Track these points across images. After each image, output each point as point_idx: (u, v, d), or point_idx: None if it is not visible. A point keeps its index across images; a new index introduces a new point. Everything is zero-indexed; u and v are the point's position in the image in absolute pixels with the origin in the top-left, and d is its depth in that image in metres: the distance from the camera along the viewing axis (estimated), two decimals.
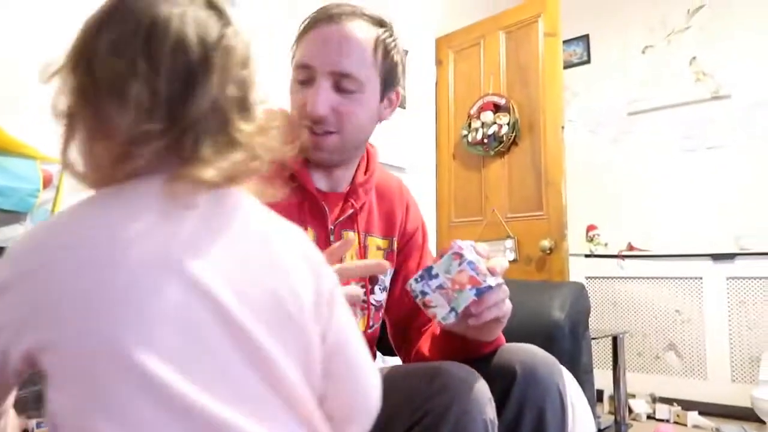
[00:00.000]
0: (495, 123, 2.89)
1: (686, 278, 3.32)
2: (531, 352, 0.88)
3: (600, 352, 3.48)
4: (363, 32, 0.90)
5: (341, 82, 0.90)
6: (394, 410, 0.66)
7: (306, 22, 0.92)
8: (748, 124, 3.30)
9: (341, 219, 0.97)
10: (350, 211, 0.97)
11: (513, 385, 0.84)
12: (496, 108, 2.92)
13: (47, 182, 1.45)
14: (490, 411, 0.69)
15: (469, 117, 3.01)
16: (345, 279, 0.74)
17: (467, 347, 0.88)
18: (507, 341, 0.95)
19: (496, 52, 3.01)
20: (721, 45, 3.41)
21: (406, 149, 2.89)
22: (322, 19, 0.90)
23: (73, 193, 1.61)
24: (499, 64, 2.99)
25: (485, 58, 3.06)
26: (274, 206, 0.90)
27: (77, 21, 0.54)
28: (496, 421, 0.70)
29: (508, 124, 2.84)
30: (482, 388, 0.70)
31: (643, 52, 3.71)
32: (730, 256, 3.18)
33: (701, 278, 3.27)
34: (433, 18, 3.24)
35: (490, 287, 0.72)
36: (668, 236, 3.49)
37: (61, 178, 1.49)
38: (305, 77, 0.90)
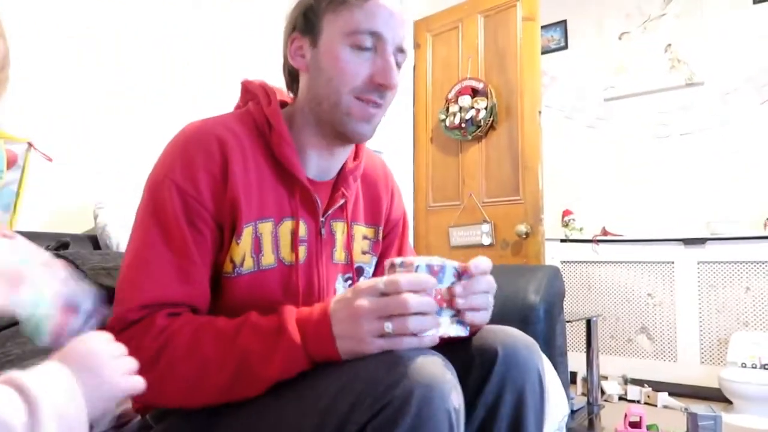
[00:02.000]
0: (473, 107, 2.88)
1: (658, 262, 3.38)
2: (512, 334, 0.87)
3: (574, 335, 3.53)
4: (406, 9, 0.90)
5: (397, 57, 0.88)
6: (355, 399, 0.64)
7: None
8: (720, 111, 3.35)
9: (332, 209, 0.92)
10: (341, 201, 0.93)
11: (494, 366, 0.83)
12: (474, 92, 2.91)
13: (11, 162, 1.40)
14: (455, 399, 0.65)
15: (447, 101, 3.00)
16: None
17: None
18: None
19: (475, 36, 2.99)
20: (695, 32, 3.45)
21: (383, 132, 2.86)
22: None
23: (38, 172, 1.58)
24: (477, 48, 2.98)
25: (463, 42, 3.04)
26: (265, 196, 0.86)
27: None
28: (462, 409, 0.68)
29: (485, 108, 2.84)
30: (447, 375, 0.66)
31: (620, 38, 3.73)
32: (701, 241, 3.24)
33: (673, 262, 3.33)
34: (412, 0, 3.21)
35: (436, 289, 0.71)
36: (641, 221, 3.54)
37: (26, 158, 1.44)
38: (369, 46, 0.85)
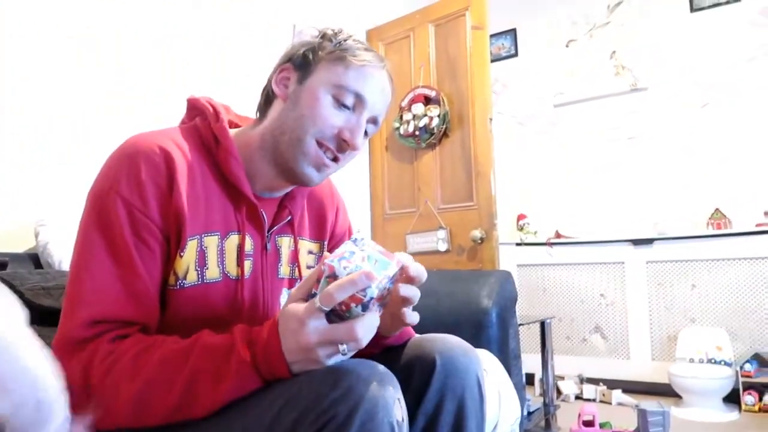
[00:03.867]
0: (426, 115, 2.92)
1: (610, 263, 3.48)
2: (449, 341, 0.89)
3: (531, 337, 3.59)
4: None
5: (368, 128, 0.91)
6: (299, 415, 0.65)
7: (355, 48, 0.89)
8: (664, 115, 3.48)
9: (279, 225, 0.94)
10: (288, 217, 0.95)
11: (432, 375, 0.84)
12: (427, 100, 2.94)
13: None
14: (398, 412, 0.67)
15: (401, 109, 3.03)
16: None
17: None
18: (438, 330, 0.96)
19: (426, 45, 3.03)
20: (638, 40, 3.58)
21: None
22: (378, 63, 0.90)
23: None
24: (429, 56, 3.02)
25: (415, 51, 3.08)
26: (211, 210, 0.86)
27: None
28: (406, 422, 0.69)
29: (438, 116, 2.88)
30: (389, 388, 0.67)
31: (567, 46, 3.84)
32: (648, 241, 3.35)
33: (623, 263, 3.44)
34: (364, 10, 3.23)
35: (372, 299, 0.68)
36: (593, 223, 3.64)
37: None
38: (349, 104, 0.88)
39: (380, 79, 0.90)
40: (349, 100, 0.87)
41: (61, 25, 1.75)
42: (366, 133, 0.91)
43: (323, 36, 0.91)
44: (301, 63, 0.90)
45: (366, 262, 0.70)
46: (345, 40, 0.89)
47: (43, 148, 1.70)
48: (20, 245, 1.60)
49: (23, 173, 1.66)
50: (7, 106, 1.61)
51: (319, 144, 0.87)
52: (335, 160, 0.89)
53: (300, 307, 0.69)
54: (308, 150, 0.87)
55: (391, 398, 0.66)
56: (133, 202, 0.78)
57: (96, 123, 1.82)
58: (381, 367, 0.70)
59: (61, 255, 1.45)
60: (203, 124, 0.90)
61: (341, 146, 0.88)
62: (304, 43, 0.92)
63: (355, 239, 0.72)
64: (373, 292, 0.67)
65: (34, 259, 1.51)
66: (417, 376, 0.85)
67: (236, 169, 0.87)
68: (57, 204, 1.67)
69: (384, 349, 0.91)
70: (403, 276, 0.77)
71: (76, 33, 1.79)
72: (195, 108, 0.94)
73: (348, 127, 0.87)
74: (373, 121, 0.91)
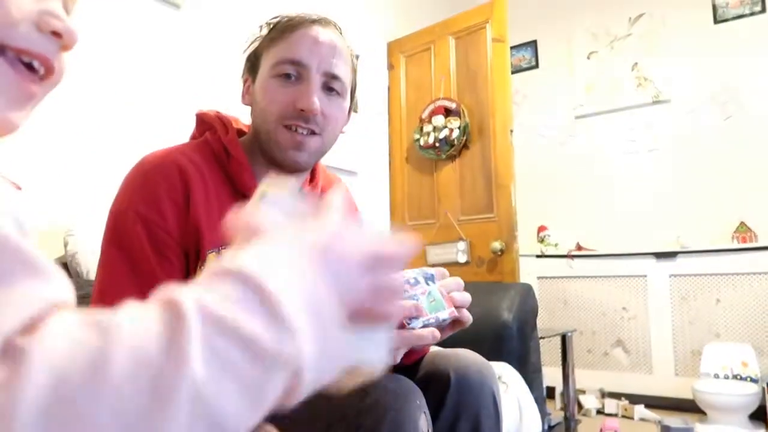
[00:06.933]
0: (446, 127, 2.93)
1: (632, 276, 3.44)
2: (464, 357, 0.89)
3: (552, 350, 3.56)
4: (342, 39, 0.93)
5: (330, 83, 0.90)
6: (327, 425, 0.66)
7: (284, 22, 0.90)
8: (686, 128, 3.45)
9: None
10: None
11: (447, 391, 0.85)
12: (447, 112, 2.96)
13: None
14: (424, 424, 0.68)
15: (421, 121, 3.05)
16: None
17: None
18: (457, 342, 0.96)
19: (447, 57, 3.05)
20: (660, 51, 3.55)
21: (359, 153, 2.90)
22: (307, 20, 0.89)
23: None
24: (450, 68, 3.03)
25: (436, 63, 3.10)
26: (215, 214, 0.88)
27: None
28: None
29: (458, 128, 2.89)
30: (416, 400, 0.69)
31: (588, 58, 3.82)
32: (672, 255, 3.31)
33: (645, 276, 3.39)
34: (385, 22, 3.26)
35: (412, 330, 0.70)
36: (614, 236, 3.60)
37: None
38: (293, 74, 0.87)
39: (312, 35, 0.88)
40: (290, 71, 0.88)
41: (85, 37, 1.81)
42: (336, 92, 0.90)
43: (262, 31, 0.93)
44: (252, 67, 0.94)
45: (424, 297, 0.71)
46: (278, 23, 0.91)
47: (73, 157, 1.74)
48: (50, 254, 1.64)
49: (54, 182, 1.70)
50: (38, 116, 1.65)
51: (287, 127, 0.88)
52: (312, 133, 0.89)
53: None
54: (279, 137, 0.88)
55: (417, 410, 0.68)
56: (152, 219, 0.79)
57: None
58: (407, 381, 0.71)
59: (89, 264, 1.48)
60: (213, 138, 0.92)
61: (305, 117, 0.88)
62: (249, 47, 0.95)
63: (428, 274, 0.74)
64: (418, 325, 0.68)
65: (64, 268, 1.54)
66: (432, 393, 0.85)
67: (248, 180, 0.88)
68: (85, 214, 1.71)
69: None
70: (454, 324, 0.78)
71: (100, 42, 1.85)
72: (204, 122, 0.96)
73: (299, 97, 0.87)
74: (332, 76, 0.89)
